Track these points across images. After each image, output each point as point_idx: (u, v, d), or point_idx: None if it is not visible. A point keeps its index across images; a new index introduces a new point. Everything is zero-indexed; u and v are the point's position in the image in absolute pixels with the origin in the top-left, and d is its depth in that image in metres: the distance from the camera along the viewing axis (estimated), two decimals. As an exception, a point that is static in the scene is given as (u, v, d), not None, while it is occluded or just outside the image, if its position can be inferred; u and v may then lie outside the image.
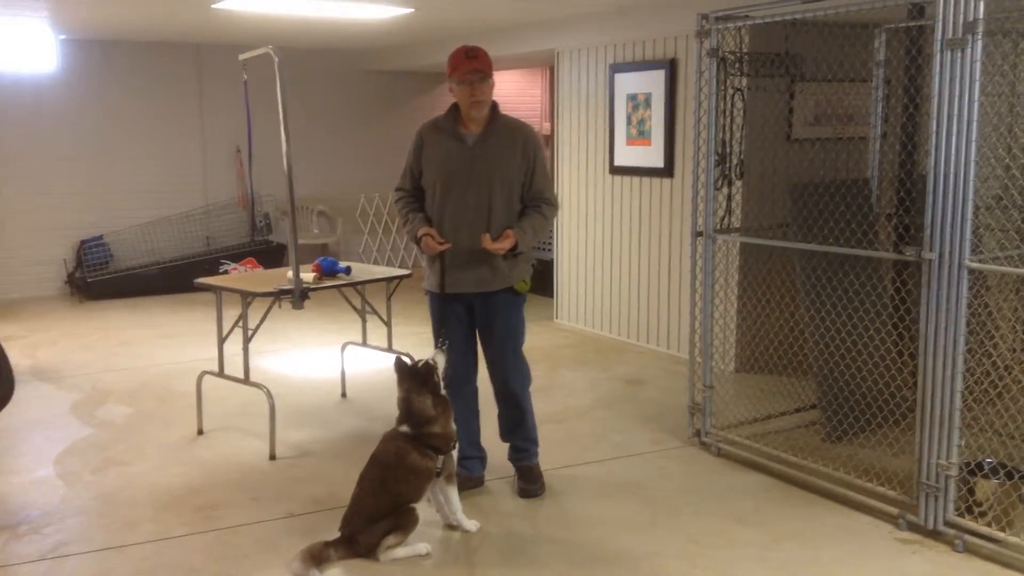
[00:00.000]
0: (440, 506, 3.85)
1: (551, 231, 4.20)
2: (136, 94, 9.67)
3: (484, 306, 4.10)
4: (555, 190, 4.28)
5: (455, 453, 3.84)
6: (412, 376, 3.74)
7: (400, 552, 3.58)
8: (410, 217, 4.12)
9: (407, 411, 3.72)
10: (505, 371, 4.16)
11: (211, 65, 9.91)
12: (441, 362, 3.83)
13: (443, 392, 3.80)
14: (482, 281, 4.04)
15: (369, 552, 3.56)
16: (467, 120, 4.02)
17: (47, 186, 9.36)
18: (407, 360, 3.86)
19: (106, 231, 9.57)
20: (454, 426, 3.83)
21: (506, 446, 4.33)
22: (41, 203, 9.34)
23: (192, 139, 10.00)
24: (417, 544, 3.63)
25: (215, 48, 9.84)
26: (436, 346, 3.96)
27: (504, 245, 3.93)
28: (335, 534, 3.62)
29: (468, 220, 3.98)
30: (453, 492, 3.82)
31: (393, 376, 3.77)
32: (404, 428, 3.71)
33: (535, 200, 4.08)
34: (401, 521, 3.59)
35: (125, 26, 8.29)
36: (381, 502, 3.61)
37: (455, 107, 4.05)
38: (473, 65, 3.91)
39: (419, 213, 4.12)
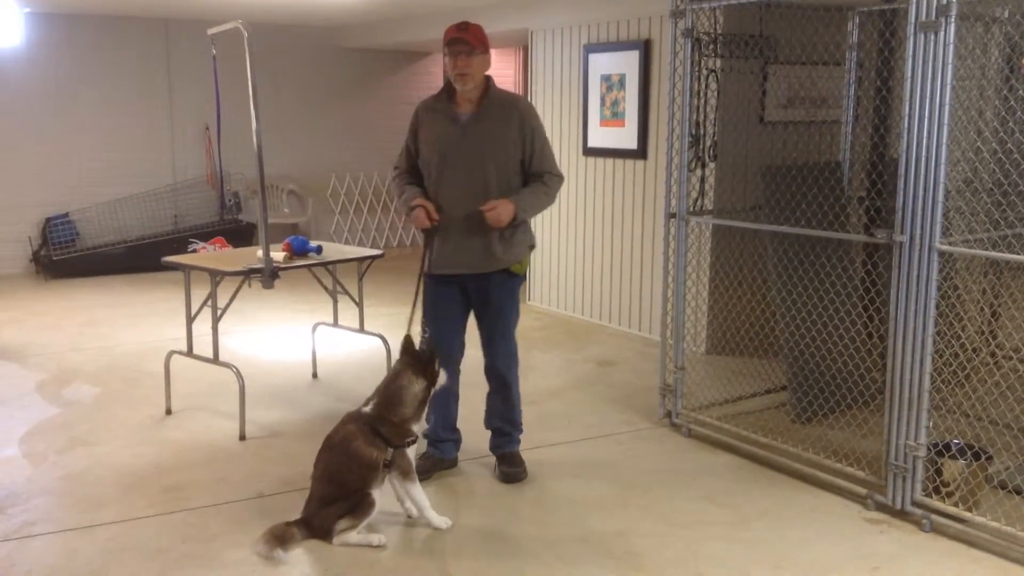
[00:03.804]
0: (400, 498, 3.71)
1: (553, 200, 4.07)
2: (103, 69, 9.51)
3: (479, 287, 4.04)
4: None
5: (411, 452, 3.65)
6: (415, 358, 3.66)
7: (353, 537, 3.51)
8: (405, 190, 4.04)
9: (386, 387, 3.65)
10: (493, 351, 4.13)
11: (179, 40, 9.76)
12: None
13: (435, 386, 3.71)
14: (476, 263, 3.97)
15: (325, 535, 3.51)
16: (460, 98, 3.94)
17: (11, 163, 9.19)
18: (423, 342, 3.80)
19: (72, 208, 9.42)
20: (415, 428, 3.67)
21: (483, 430, 4.29)
22: (5, 180, 9.17)
23: (160, 116, 9.85)
24: (371, 535, 3.54)
25: (183, 23, 9.68)
26: (420, 330, 3.91)
27: (500, 212, 3.80)
28: (302, 514, 3.61)
29: (463, 201, 3.90)
30: (415, 489, 3.66)
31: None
32: (367, 408, 3.63)
33: (538, 175, 4.00)
34: (355, 505, 3.51)
35: (91, -1, 8.15)
36: (330, 487, 3.56)
37: (450, 84, 3.96)
38: (457, 35, 3.84)
39: (413, 187, 4.03)
